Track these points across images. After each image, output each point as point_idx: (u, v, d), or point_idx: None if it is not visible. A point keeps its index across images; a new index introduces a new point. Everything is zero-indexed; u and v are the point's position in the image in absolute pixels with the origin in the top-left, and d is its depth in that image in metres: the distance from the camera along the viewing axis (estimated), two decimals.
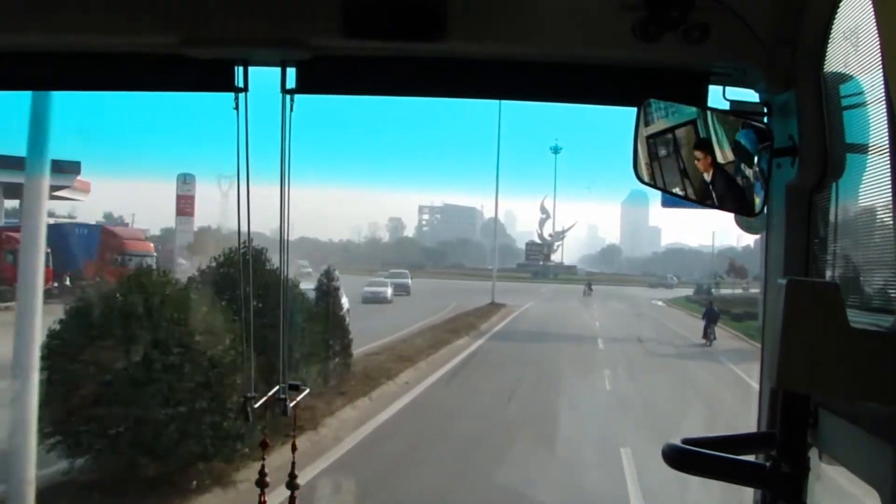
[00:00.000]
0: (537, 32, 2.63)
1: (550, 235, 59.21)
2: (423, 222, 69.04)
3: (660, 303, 46.44)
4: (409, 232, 66.25)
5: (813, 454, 2.30)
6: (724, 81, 2.67)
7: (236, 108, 2.69)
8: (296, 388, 2.93)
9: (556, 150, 51.61)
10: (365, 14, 2.52)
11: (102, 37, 2.61)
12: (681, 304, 44.42)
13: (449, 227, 67.60)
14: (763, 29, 2.51)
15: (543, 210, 59.44)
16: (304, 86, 2.72)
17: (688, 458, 2.22)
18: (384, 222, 64.39)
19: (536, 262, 59.50)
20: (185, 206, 40.20)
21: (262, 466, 2.93)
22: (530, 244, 60.97)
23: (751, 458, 2.44)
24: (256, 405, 2.88)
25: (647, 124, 2.59)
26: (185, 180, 39.78)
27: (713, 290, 46.21)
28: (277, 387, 2.91)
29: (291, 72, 2.70)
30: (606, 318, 35.65)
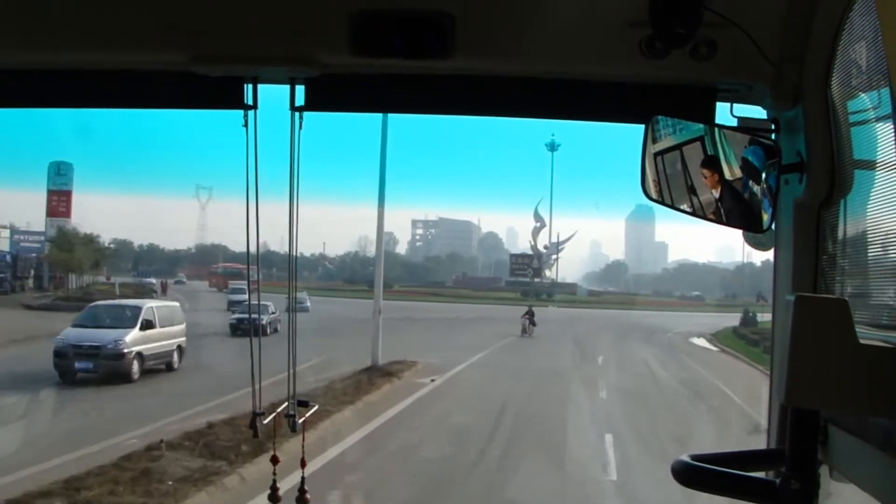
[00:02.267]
0: (545, 50, 2.64)
1: (546, 247, 54.05)
2: (417, 237, 66.73)
3: (701, 342, 34.47)
4: (402, 247, 63.72)
5: (823, 471, 2.29)
6: (732, 98, 2.68)
7: (245, 125, 2.71)
8: (304, 405, 2.93)
9: (552, 147, 49.40)
10: (373, 32, 2.54)
11: (113, 54, 2.64)
12: (731, 341, 32.23)
13: (444, 241, 65.31)
14: (770, 46, 2.51)
15: (537, 217, 54.28)
16: (313, 103, 2.74)
17: (697, 474, 2.21)
18: (374, 237, 62.19)
19: (524, 278, 53.79)
20: (58, 205, 34.24)
21: (274, 482, 2.94)
22: (516, 257, 55.80)
23: (760, 474, 2.43)
24: (265, 421, 2.89)
25: (654, 141, 2.60)
26: (60, 170, 33.70)
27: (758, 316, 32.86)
28: (286, 403, 2.91)
29: (300, 89, 2.72)
30: (631, 428, 17.34)
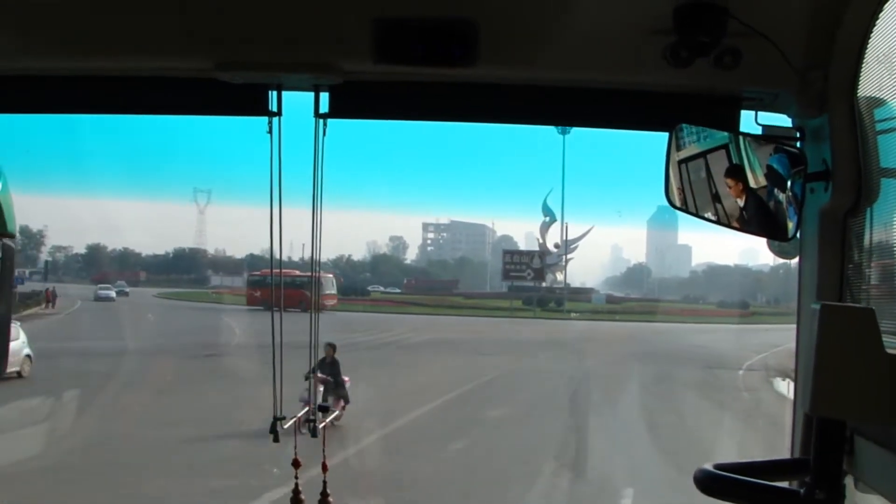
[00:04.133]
0: (568, 58, 2.64)
1: (556, 246, 46.37)
2: (428, 241, 62.34)
3: None
4: (413, 251, 60.35)
5: (848, 481, 2.27)
6: (757, 106, 2.67)
7: (269, 131, 2.74)
8: (325, 410, 2.95)
9: (563, 131, 41.23)
10: (396, 40, 2.55)
11: (139, 61, 2.67)
12: None
13: (456, 245, 61.02)
14: (795, 54, 2.50)
15: (546, 211, 46.18)
16: (337, 110, 2.75)
17: (721, 483, 2.19)
18: (384, 241, 57.91)
19: (522, 281, 45.22)
20: None
21: (296, 485, 2.96)
22: (510, 254, 47.11)
23: (784, 484, 2.41)
24: (286, 426, 2.91)
25: (678, 149, 2.59)
26: None
27: None
28: (307, 408, 2.93)
29: (324, 96, 2.74)
30: None
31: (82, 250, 50.14)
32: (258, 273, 42.45)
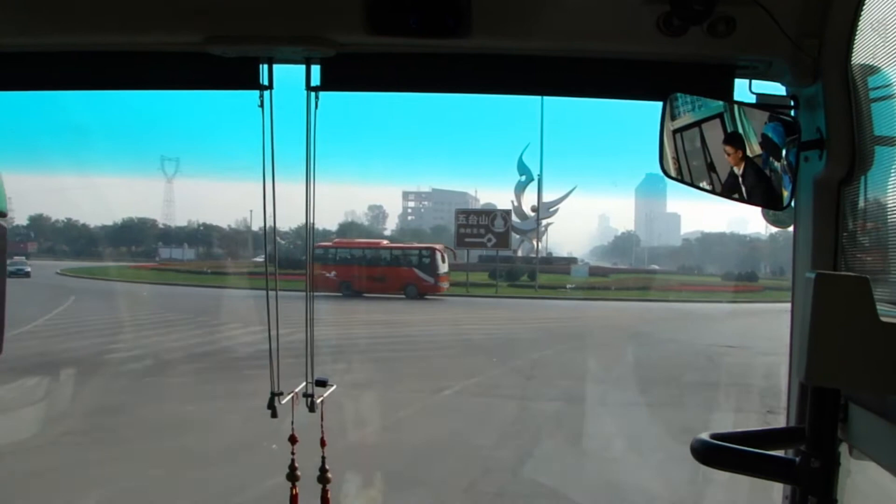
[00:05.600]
0: (561, 28, 2.63)
1: (534, 209, 41.30)
2: (409, 210, 60.59)
3: None
4: (392, 221, 58.07)
5: (843, 449, 2.29)
6: (751, 74, 2.66)
7: (261, 105, 2.71)
8: (322, 384, 2.96)
9: None
10: (389, 11, 2.53)
11: (127, 35, 2.63)
12: None
13: (438, 214, 57.79)
14: (789, 21, 2.49)
15: (522, 169, 41.35)
16: (329, 83, 2.73)
17: (717, 453, 2.21)
18: (363, 211, 56.67)
19: (482, 248, 39.44)
20: None
21: (293, 461, 2.97)
22: (464, 214, 41.07)
23: (780, 453, 2.44)
24: (283, 401, 2.92)
25: (673, 118, 2.59)
26: None
27: None
28: (304, 383, 2.94)
29: (316, 69, 2.72)
30: None
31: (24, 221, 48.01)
32: (327, 244, 36.78)
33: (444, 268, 36.28)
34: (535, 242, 42.97)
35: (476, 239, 39.60)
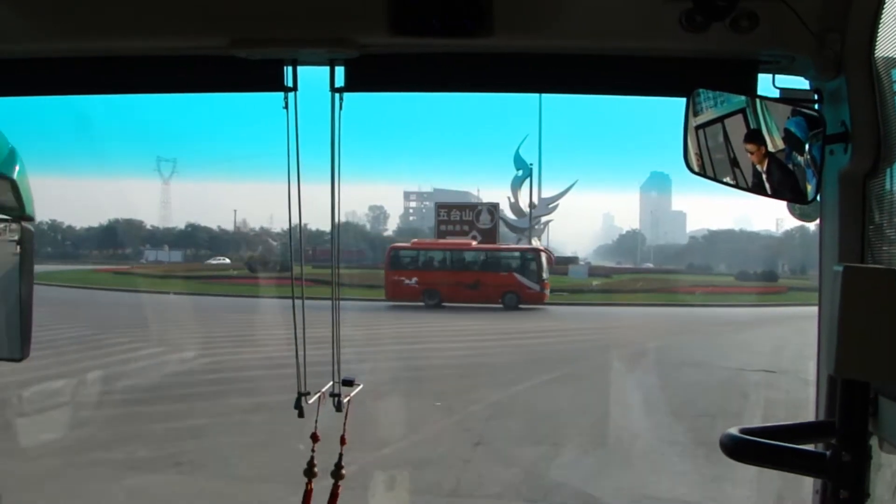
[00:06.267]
0: (584, 26, 2.63)
1: (532, 206, 38.37)
2: (410, 210, 59.25)
3: None
4: (394, 221, 56.75)
5: (873, 442, 2.29)
6: (774, 69, 2.66)
7: (286, 107, 2.73)
8: (349, 384, 2.98)
9: None
10: (412, 12, 2.55)
11: (154, 40, 2.67)
12: None
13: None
14: (811, 16, 2.49)
15: (519, 163, 38.45)
16: (353, 84, 2.75)
17: (747, 447, 2.21)
18: (363, 211, 54.33)
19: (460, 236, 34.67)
20: None
21: (312, 458, 2.98)
22: (446, 209, 37.62)
23: (810, 447, 2.43)
24: (310, 401, 2.94)
25: (696, 114, 2.60)
26: None
27: None
28: (331, 382, 2.96)
29: (340, 70, 2.74)
30: None
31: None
32: (405, 245, 33.40)
33: (547, 273, 32.28)
34: (533, 241, 38.78)
35: (460, 237, 35.09)
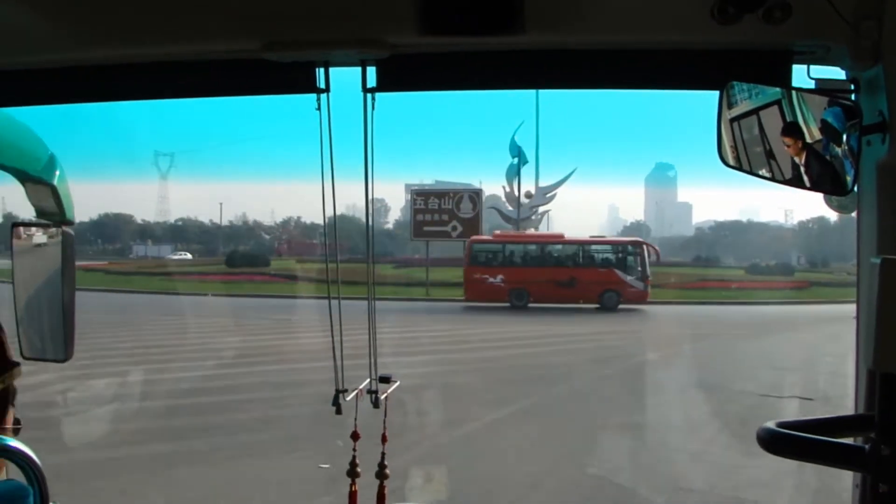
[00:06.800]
0: (614, 20, 2.63)
1: (529, 195, 35.86)
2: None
3: None
4: (395, 215, 55.38)
5: None
6: (808, 60, 2.64)
7: (318, 108, 2.75)
8: (386, 380, 2.99)
9: None
10: (442, 10, 2.55)
11: (186, 45, 2.70)
12: None
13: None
14: (846, 4, 2.46)
15: (515, 150, 35.78)
16: (385, 84, 2.77)
17: (785, 441, 2.19)
18: (363, 205, 55.30)
19: (445, 238, 32.00)
20: None
21: (354, 457, 3.00)
22: (421, 197, 33.99)
23: (849, 440, 2.42)
24: (348, 398, 2.96)
25: (730, 107, 2.58)
26: None
27: None
28: (368, 379, 2.98)
29: (371, 70, 2.75)
30: None
31: None
32: (487, 239, 29.91)
33: (649, 269, 29.12)
34: (531, 232, 36.01)
35: (437, 227, 31.50)
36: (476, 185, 42.31)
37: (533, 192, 36.77)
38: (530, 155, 37.01)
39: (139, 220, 51.41)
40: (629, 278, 28.62)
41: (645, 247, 29.88)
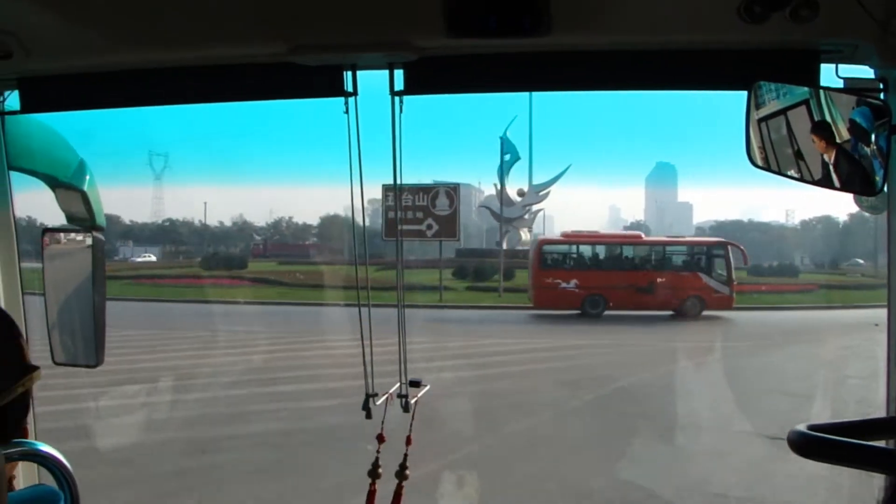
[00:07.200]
0: (641, 20, 2.63)
1: (521, 193, 34.59)
2: None
3: None
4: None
5: None
6: (836, 59, 2.63)
7: (346, 111, 2.75)
8: (416, 385, 3.00)
9: None
10: (469, 13, 2.56)
11: (214, 49, 2.72)
12: None
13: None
14: (874, 2, 2.46)
15: (507, 146, 34.26)
16: (412, 87, 2.78)
17: (815, 444, 2.18)
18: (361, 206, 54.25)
19: (420, 237, 29.34)
20: None
21: (377, 458, 3.00)
22: (393, 192, 26.40)
23: (881, 443, 2.41)
24: (378, 402, 2.96)
25: (758, 107, 2.57)
26: None
27: None
28: (398, 384, 2.98)
29: (399, 73, 2.75)
30: None
31: None
32: (557, 240, 27.55)
33: (734, 272, 26.48)
34: (522, 234, 34.34)
35: (411, 226, 27.67)
36: (476, 184, 43.65)
37: (526, 190, 35.47)
38: (524, 152, 35.53)
39: (126, 221, 51.16)
40: (714, 283, 26.18)
41: (730, 248, 27.07)
